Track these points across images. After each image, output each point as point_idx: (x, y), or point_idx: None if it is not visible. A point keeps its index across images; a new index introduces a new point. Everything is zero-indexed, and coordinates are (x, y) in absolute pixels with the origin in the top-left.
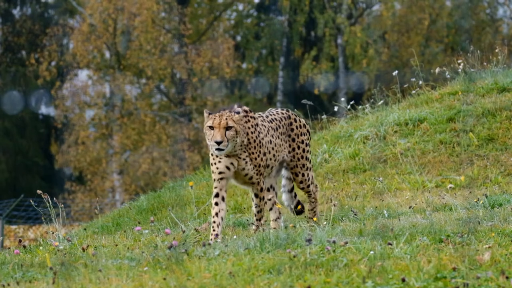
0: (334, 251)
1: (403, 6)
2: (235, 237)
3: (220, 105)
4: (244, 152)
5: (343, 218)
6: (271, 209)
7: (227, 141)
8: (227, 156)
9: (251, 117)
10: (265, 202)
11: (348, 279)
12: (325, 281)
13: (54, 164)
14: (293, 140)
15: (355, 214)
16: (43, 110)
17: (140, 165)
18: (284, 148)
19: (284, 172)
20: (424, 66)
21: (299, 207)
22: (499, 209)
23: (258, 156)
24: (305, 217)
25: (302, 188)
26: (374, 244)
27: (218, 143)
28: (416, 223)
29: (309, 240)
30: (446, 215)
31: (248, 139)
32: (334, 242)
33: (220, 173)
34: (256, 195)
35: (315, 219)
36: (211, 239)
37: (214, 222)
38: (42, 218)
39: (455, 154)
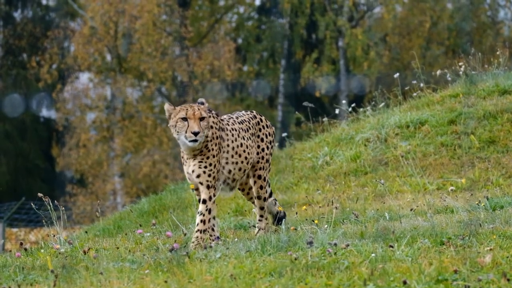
0: (335, 253)
1: (404, 8)
2: (236, 239)
3: (221, 107)
4: (201, 151)
5: (344, 221)
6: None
7: (203, 131)
8: (193, 158)
9: (214, 114)
10: (210, 217)
11: (349, 282)
12: (327, 284)
13: (55, 167)
14: (262, 140)
15: (356, 217)
16: (44, 113)
17: (141, 168)
18: (255, 149)
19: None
20: (425, 68)
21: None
22: (500, 212)
23: (214, 156)
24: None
25: (259, 197)
26: (376, 247)
27: (196, 133)
28: (417, 226)
29: (311, 243)
30: (448, 218)
31: (209, 140)
32: (335, 244)
33: (189, 179)
34: (204, 201)
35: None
36: (209, 242)
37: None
38: (43, 221)
39: (456, 157)
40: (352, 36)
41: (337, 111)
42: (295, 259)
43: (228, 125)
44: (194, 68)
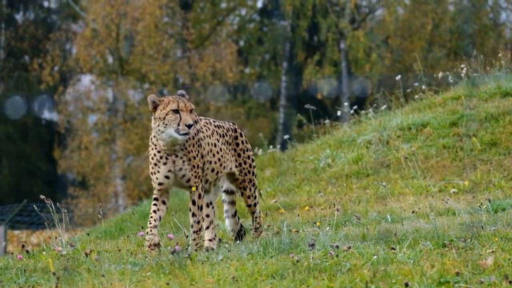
0: (337, 255)
1: (406, 10)
2: (238, 242)
3: (223, 110)
4: (182, 150)
5: (346, 223)
6: (207, 227)
7: (195, 124)
8: (165, 163)
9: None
10: (202, 217)
11: (351, 284)
12: (328, 286)
13: (57, 169)
14: (239, 155)
15: (358, 219)
16: (46, 115)
17: (143, 170)
18: (232, 157)
19: (225, 197)
20: (427, 70)
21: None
22: (502, 214)
23: (197, 155)
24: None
25: (249, 205)
26: (377, 249)
27: (190, 126)
28: (419, 228)
29: (312, 245)
30: (449, 220)
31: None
32: (337, 247)
33: (159, 184)
34: (194, 202)
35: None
36: (148, 251)
37: (150, 223)
38: (45, 223)
39: (458, 159)
40: (354, 38)
41: (339, 113)
42: (297, 261)
43: (201, 121)
44: (196, 70)
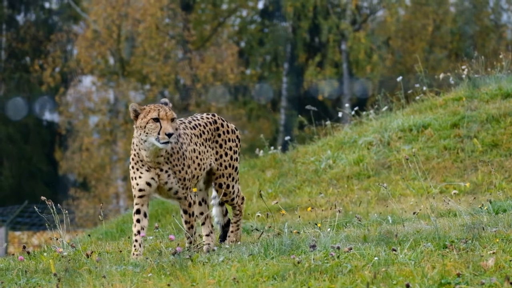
0: (338, 257)
1: (407, 12)
2: (239, 243)
3: (224, 111)
4: (167, 163)
5: (347, 224)
6: (203, 223)
7: (176, 133)
8: (148, 170)
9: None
10: (196, 217)
11: (352, 285)
12: (329, 287)
13: (58, 170)
14: (221, 146)
15: (359, 220)
16: (47, 116)
17: None
18: (210, 155)
19: (213, 182)
20: (428, 72)
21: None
22: (503, 215)
23: (182, 169)
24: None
25: (226, 201)
26: (378, 250)
27: (170, 135)
28: (420, 229)
29: (313, 246)
30: (451, 221)
31: (172, 148)
32: (338, 248)
33: (140, 190)
34: (185, 211)
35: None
36: (132, 259)
37: (136, 241)
38: (46, 224)
39: (459, 160)
40: (355, 40)
41: (340, 114)
42: (298, 262)
43: (180, 129)
44: (197, 72)
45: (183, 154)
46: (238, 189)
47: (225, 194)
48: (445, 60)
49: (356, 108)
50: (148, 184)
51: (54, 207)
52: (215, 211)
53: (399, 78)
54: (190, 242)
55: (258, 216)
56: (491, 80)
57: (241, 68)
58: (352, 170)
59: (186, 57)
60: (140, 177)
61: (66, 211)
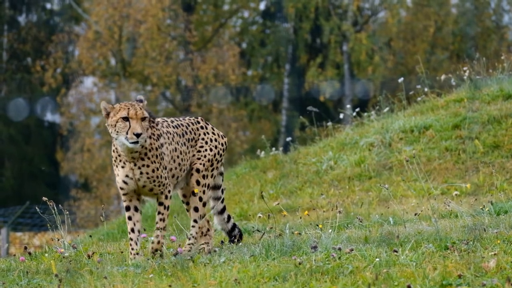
0: (339, 258)
1: (409, 13)
2: (240, 244)
3: (225, 112)
4: (142, 159)
5: (349, 225)
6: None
7: (145, 132)
8: (123, 166)
9: (152, 122)
10: (168, 213)
11: (353, 286)
12: None
13: (60, 171)
14: (206, 142)
15: (361, 221)
16: (49, 117)
17: None
18: (193, 156)
19: (210, 192)
20: (429, 73)
21: (236, 230)
22: (504, 216)
23: (158, 167)
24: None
25: (196, 208)
26: (380, 251)
27: (138, 135)
28: (421, 230)
29: (315, 247)
30: (452, 222)
31: (151, 144)
32: (339, 249)
33: (121, 188)
34: (161, 203)
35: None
36: (130, 258)
37: (131, 239)
38: (48, 225)
39: (460, 161)
40: (357, 41)
41: (341, 115)
42: (299, 263)
43: (163, 127)
44: (199, 73)
45: (160, 154)
46: (205, 203)
47: (199, 196)
48: (447, 61)
49: (357, 109)
50: (124, 182)
51: (55, 208)
52: (216, 221)
53: (401, 79)
54: (161, 228)
55: (260, 217)
56: (493, 82)
57: (242, 69)
58: (354, 171)
59: (188, 58)
60: (118, 174)
61: (68, 212)
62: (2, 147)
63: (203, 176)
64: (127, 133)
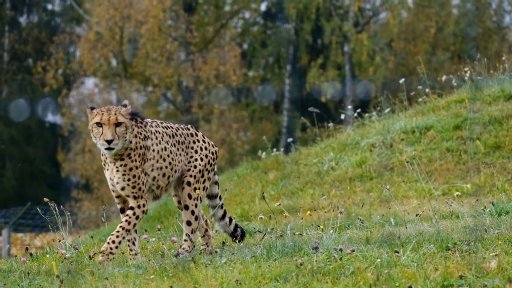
0: (340, 259)
1: (410, 14)
2: (241, 245)
3: (226, 113)
4: (122, 159)
5: (350, 226)
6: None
7: (118, 138)
8: (107, 169)
9: (139, 122)
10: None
11: (355, 287)
12: None
13: (61, 172)
14: (196, 151)
15: (362, 222)
16: (50, 118)
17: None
18: (184, 159)
19: (208, 201)
20: (430, 74)
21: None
22: (506, 217)
23: (139, 166)
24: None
25: (186, 207)
26: (381, 252)
27: (109, 141)
28: (422, 231)
29: (316, 248)
30: (453, 223)
31: (136, 143)
32: (340, 250)
33: (112, 191)
34: (131, 208)
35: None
36: (131, 259)
37: (128, 240)
38: (49, 226)
39: (461, 162)
40: (358, 42)
41: (342, 116)
42: (301, 264)
43: (152, 127)
44: (200, 73)
45: (144, 154)
46: (199, 211)
47: (189, 196)
48: (448, 62)
49: (358, 110)
50: (112, 184)
51: (56, 209)
52: (218, 227)
53: (402, 80)
54: (124, 230)
55: (261, 218)
56: (494, 82)
57: (243, 70)
58: (355, 172)
59: (189, 59)
60: (106, 178)
61: (69, 213)
62: (3, 148)
63: (195, 189)
64: (99, 139)
